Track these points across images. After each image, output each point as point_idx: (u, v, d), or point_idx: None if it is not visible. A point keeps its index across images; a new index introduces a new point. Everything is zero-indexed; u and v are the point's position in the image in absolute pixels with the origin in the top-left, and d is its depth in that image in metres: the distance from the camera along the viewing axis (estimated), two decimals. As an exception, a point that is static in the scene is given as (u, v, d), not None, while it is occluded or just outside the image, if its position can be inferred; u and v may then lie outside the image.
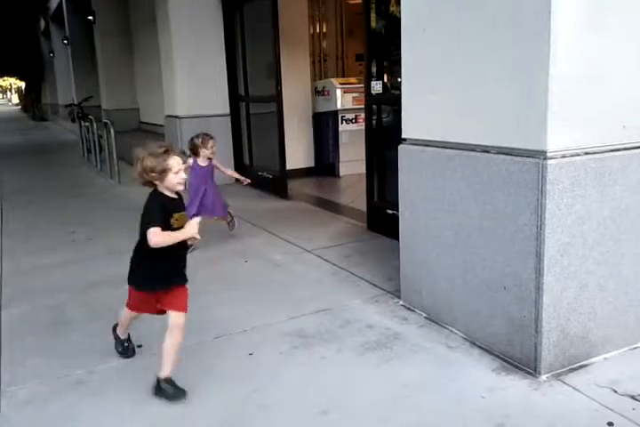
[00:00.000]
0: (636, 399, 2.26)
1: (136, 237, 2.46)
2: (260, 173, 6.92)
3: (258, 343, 2.92)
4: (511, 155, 2.52)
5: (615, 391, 2.32)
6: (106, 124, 8.12)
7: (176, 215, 2.40)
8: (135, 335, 2.96)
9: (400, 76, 3.25)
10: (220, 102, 7.23)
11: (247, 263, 4.18)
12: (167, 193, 2.42)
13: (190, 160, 4.30)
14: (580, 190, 2.44)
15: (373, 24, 4.93)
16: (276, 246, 4.55)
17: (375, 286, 3.59)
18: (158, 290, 2.51)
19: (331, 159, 7.62)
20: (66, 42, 17.15)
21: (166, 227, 2.35)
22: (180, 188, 2.42)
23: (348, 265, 3.98)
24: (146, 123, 11.08)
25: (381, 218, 4.71)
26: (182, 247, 2.51)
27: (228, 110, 7.31)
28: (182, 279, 2.55)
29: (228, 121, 7.32)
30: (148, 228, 2.29)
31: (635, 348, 2.66)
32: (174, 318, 2.45)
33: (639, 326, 2.71)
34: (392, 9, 4.76)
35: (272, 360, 2.75)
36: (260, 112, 7.04)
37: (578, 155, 2.43)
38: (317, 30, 9.16)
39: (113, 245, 4.70)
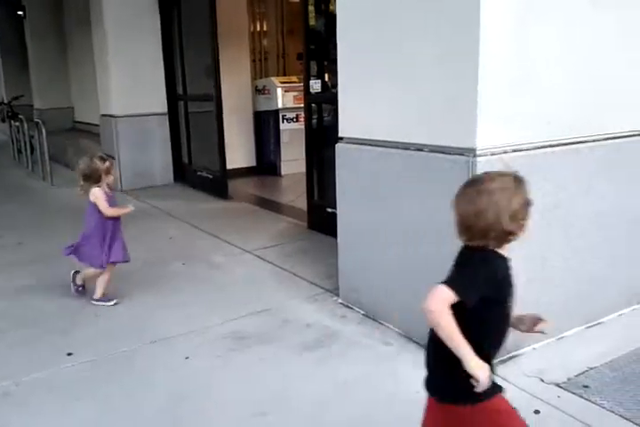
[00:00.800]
0: (561, 387, 2.35)
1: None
2: (199, 173, 6.83)
3: (195, 347, 2.87)
4: (443, 153, 2.57)
5: (542, 380, 2.41)
6: (37, 123, 7.80)
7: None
8: (63, 343, 2.87)
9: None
10: (157, 101, 7.07)
11: (185, 266, 4.10)
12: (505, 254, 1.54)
13: (97, 189, 3.31)
14: (509, 187, 2.51)
15: (313, 22, 4.96)
16: (215, 248, 4.49)
17: (315, 284, 3.59)
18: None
19: (272, 158, 7.59)
20: (-6, 37, 16.37)
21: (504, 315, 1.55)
22: None
23: (289, 265, 3.97)
24: (80, 122, 10.71)
25: (322, 216, 4.72)
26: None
27: (165, 109, 7.15)
28: None
29: (165, 120, 7.17)
30: (446, 285, 1.46)
31: (562, 337, 2.77)
32: None
33: (566, 315, 2.81)
34: (332, 8, 4.79)
35: (209, 364, 2.70)
36: (199, 111, 6.93)
37: (506, 152, 2.50)
38: (258, 29, 9.11)
39: (45, 249, 4.51)
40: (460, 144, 2.48)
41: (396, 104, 2.80)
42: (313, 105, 4.90)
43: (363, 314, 3.12)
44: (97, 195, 3.30)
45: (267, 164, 7.68)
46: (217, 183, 6.42)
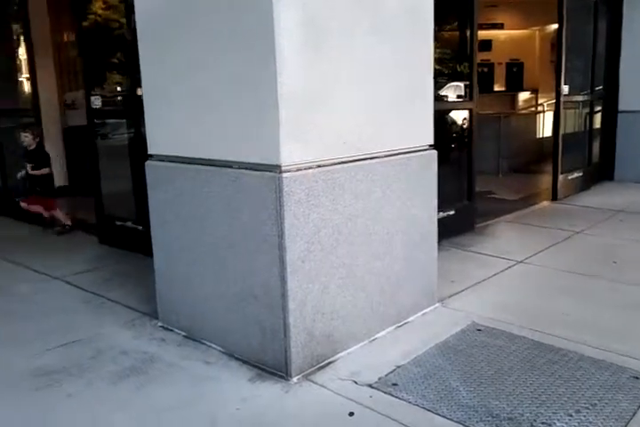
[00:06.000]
0: (373, 387, 2.50)
1: None
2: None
3: (-7, 389, 2.57)
4: (251, 169, 2.61)
5: (356, 383, 2.53)
6: None
7: None
8: None
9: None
10: None
11: (-19, 298, 3.68)
12: None
13: None
14: (315, 200, 2.63)
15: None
16: (18, 276, 4.08)
17: (132, 309, 3.42)
18: None
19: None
20: None
21: None
22: None
23: (103, 290, 3.74)
24: None
25: (116, 231, 4.61)
26: None
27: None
28: None
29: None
30: None
31: (373, 339, 2.95)
32: None
33: (376, 319, 3.01)
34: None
35: (9, 406, 2.43)
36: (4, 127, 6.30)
37: (310, 168, 2.61)
38: (65, 39, 8.52)
39: None
40: (266, 161, 2.54)
41: (204, 122, 2.79)
42: (96, 120, 4.85)
43: (183, 336, 3.04)
44: None
45: (81, 182, 7.18)
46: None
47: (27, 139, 5.27)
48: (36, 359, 2.81)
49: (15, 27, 5.52)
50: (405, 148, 3.10)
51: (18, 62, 5.56)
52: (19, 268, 4.26)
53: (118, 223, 4.75)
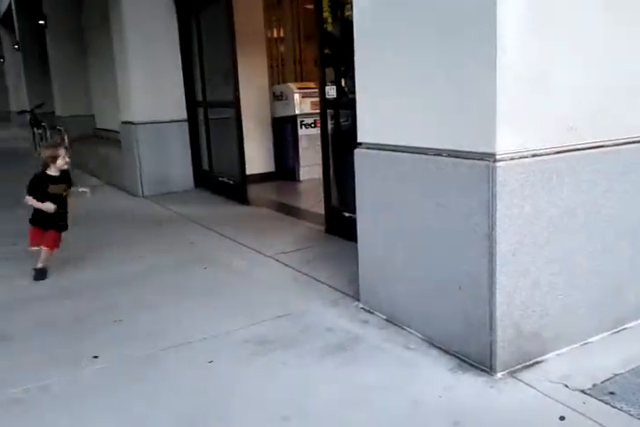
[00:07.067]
0: (586, 393, 2.33)
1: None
2: (220, 179, 6.89)
3: (218, 351, 2.90)
4: (462, 157, 2.56)
5: (567, 386, 2.38)
6: (60, 130, 7.95)
7: None
8: (83, 347, 2.87)
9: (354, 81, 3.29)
10: (176, 108, 7.17)
11: (206, 270, 4.15)
12: None
13: None
14: (529, 191, 2.50)
15: (329, 28, 4.99)
16: (236, 253, 4.53)
17: (336, 289, 3.60)
18: None
19: (291, 164, 7.63)
20: (17, 47, 16.71)
21: None
22: None
23: (309, 269, 3.99)
24: (101, 129, 10.86)
25: (340, 221, 4.74)
26: None
27: (185, 116, 7.24)
28: None
29: (185, 127, 7.25)
30: None
31: (586, 343, 2.74)
32: None
33: (590, 321, 2.78)
34: (347, 13, 4.82)
35: (232, 368, 2.73)
36: (218, 117, 7.01)
37: (526, 157, 2.49)
38: (274, 35, 9.17)
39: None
40: (480, 149, 2.47)
41: (414, 110, 2.80)
42: (328, 111, 4.94)
43: (384, 319, 3.12)
44: None
45: (285, 169, 7.72)
46: (237, 189, 6.47)
47: (66, 159, 4.07)
48: (254, 328, 3.11)
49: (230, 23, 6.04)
50: (637, 136, 2.80)
51: (231, 57, 6.07)
52: (238, 246, 4.71)
53: (346, 215, 4.58)
